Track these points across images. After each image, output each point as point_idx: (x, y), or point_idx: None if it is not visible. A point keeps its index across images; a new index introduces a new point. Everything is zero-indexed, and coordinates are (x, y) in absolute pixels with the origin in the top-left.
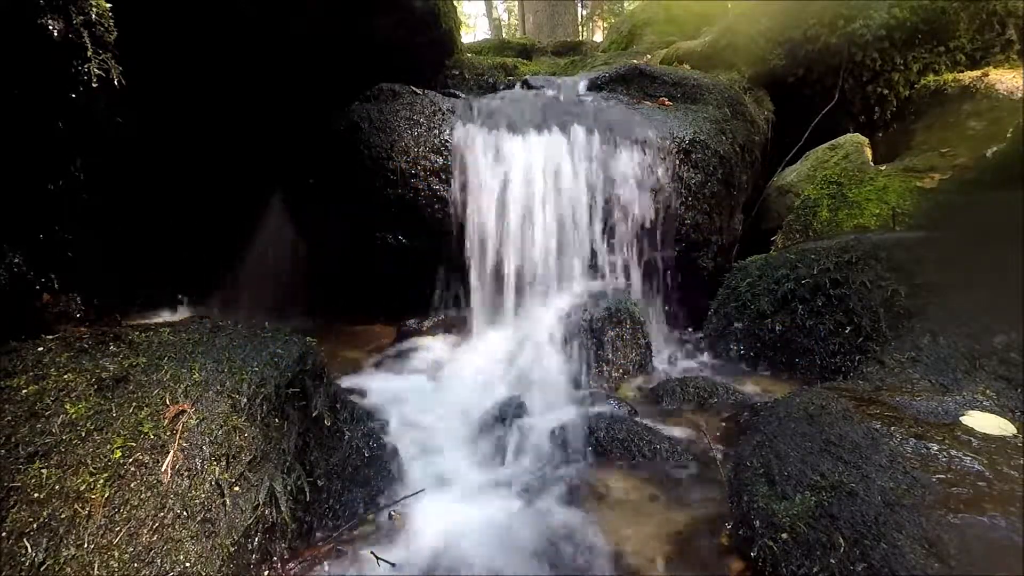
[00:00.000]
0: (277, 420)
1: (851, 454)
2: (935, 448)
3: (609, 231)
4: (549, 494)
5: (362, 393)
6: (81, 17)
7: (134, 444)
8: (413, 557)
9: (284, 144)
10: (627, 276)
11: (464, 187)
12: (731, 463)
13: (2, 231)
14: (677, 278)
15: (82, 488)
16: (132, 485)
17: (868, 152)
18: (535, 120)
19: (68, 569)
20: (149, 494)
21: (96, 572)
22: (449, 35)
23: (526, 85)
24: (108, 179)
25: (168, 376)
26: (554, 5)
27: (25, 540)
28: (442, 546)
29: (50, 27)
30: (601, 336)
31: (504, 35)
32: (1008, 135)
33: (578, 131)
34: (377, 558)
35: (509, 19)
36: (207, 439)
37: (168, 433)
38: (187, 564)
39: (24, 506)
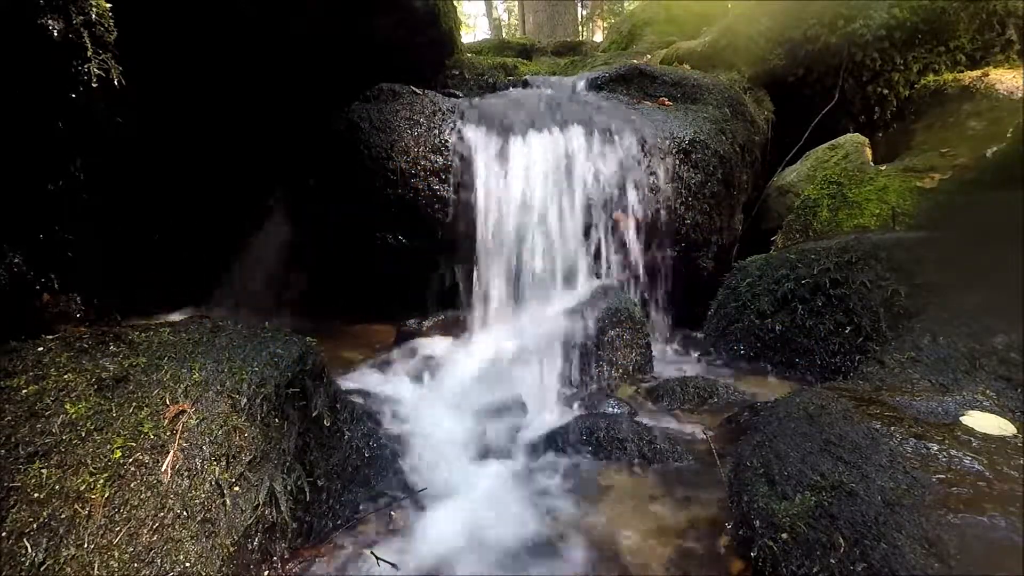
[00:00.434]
0: (277, 420)
1: (851, 454)
2: (935, 448)
3: (609, 231)
4: (549, 494)
5: (362, 393)
6: (81, 17)
7: (134, 444)
8: (413, 557)
9: (284, 144)
10: (627, 276)
11: (464, 187)
12: (731, 463)
13: (2, 231)
14: (677, 278)
15: (82, 488)
16: (132, 485)
17: (868, 152)
18: (535, 120)
19: (68, 569)
20: (149, 494)
21: (96, 572)
22: (449, 35)
23: (526, 85)
24: (108, 179)
25: (168, 376)
26: (554, 5)
27: (25, 540)
28: (442, 546)
29: (50, 27)
30: (601, 336)
31: (504, 35)
32: (1008, 135)
33: (578, 131)
34: (377, 558)
35: (509, 19)
36: (207, 439)
37: (168, 433)
38: (187, 564)
39: (24, 506)
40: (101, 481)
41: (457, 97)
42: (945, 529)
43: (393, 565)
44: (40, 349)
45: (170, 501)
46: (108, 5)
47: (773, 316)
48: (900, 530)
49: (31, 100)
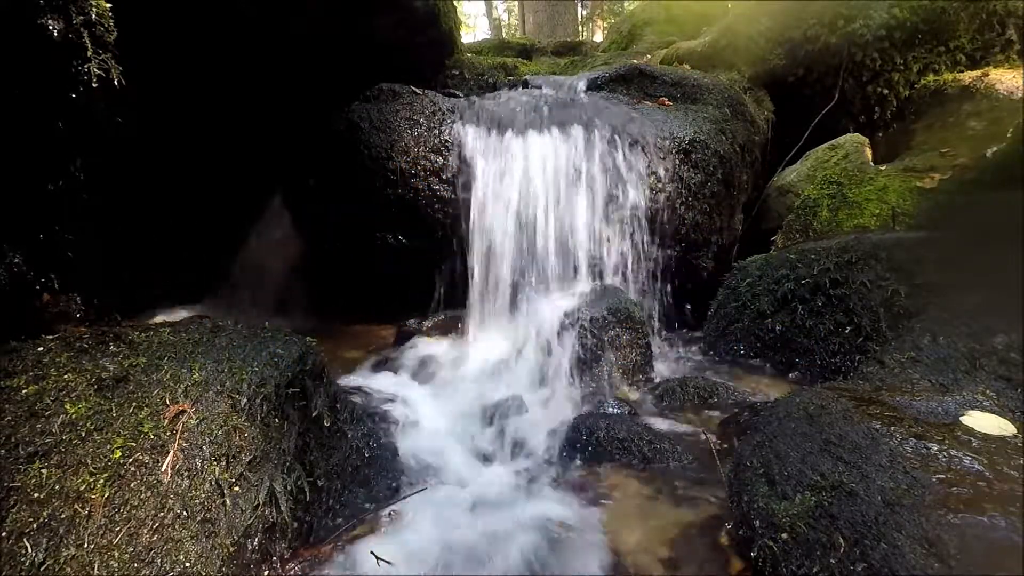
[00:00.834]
0: (277, 420)
1: (851, 454)
2: (935, 448)
3: (609, 231)
4: (548, 494)
5: (362, 393)
6: (81, 17)
7: (134, 444)
8: (413, 557)
9: (284, 144)
10: (627, 276)
11: (464, 187)
12: (731, 463)
13: (2, 231)
14: (677, 278)
15: (82, 488)
16: (132, 485)
17: (868, 152)
18: (535, 120)
19: (68, 569)
20: (149, 494)
21: (96, 572)
22: (449, 35)
23: (526, 85)
24: (108, 179)
25: (168, 376)
26: (554, 5)
27: (25, 540)
28: (442, 546)
29: (50, 27)
30: (601, 336)
31: (504, 35)
32: (1008, 135)
33: (578, 131)
34: (377, 558)
35: (509, 19)
36: (207, 439)
37: (168, 433)
38: (187, 564)
39: (24, 506)
40: (101, 481)
41: (457, 97)
42: (945, 529)
43: (393, 565)
44: (40, 349)
45: (170, 501)
46: (108, 5)
47: (773, 316)
48: (900, 530)
49: (31, 100)
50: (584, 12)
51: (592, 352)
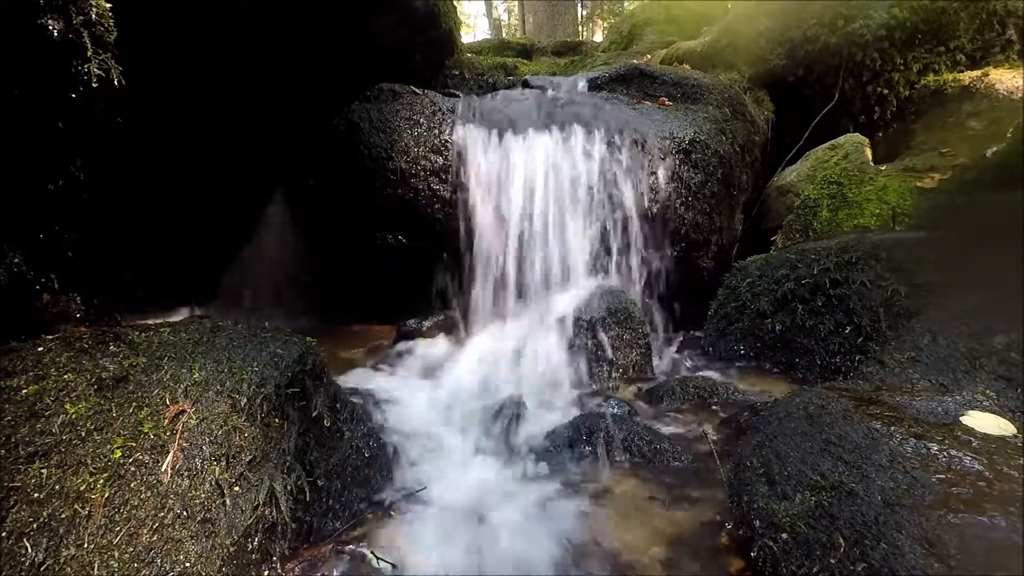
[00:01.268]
0: (277, 420)
1: (851, 454)
2: (935, 448)
3: (609, 231)
4: (548, 494)
5: (362, 393)
6: (81, 17)
7: (134, 444)
8: (413, 557)
9: (284, 144)
10: (627, 276)
11: (464, 187)
12: (731, 463)
13: (2, 231)
14: (677, 278)
15: (82, 488)
16: (132, 485)
17: (868, 152)
18: (535, 120)
19: (68, 569)
20: (149, 494)
21: (96, 572)
22: (449, 35)
23: (526, 85)
24: (108, 179)
25: (168, 376)
26: (554, 5)
27: (25, 540)
28: (442, 546)
29: (50, 27)
30: (601, 336)
31: (504, 35)
32: (1008, 135)
33: (578, 131)
34: (377, 558)
35: (509, 19)
36: (207, 439)
37: (168, 433)
38: (187, 564)
39: (24, 506)
40: (101, 481)
41: (457, 97)
42: (945, 529)
43: (393, 565)
44: (40, 349)
45: (170, 501)
46: (108, 5)
47: (773, 316)
48: (900, 530)
49: (31, 100)
50: (584, 12)
51: (592, 352)
